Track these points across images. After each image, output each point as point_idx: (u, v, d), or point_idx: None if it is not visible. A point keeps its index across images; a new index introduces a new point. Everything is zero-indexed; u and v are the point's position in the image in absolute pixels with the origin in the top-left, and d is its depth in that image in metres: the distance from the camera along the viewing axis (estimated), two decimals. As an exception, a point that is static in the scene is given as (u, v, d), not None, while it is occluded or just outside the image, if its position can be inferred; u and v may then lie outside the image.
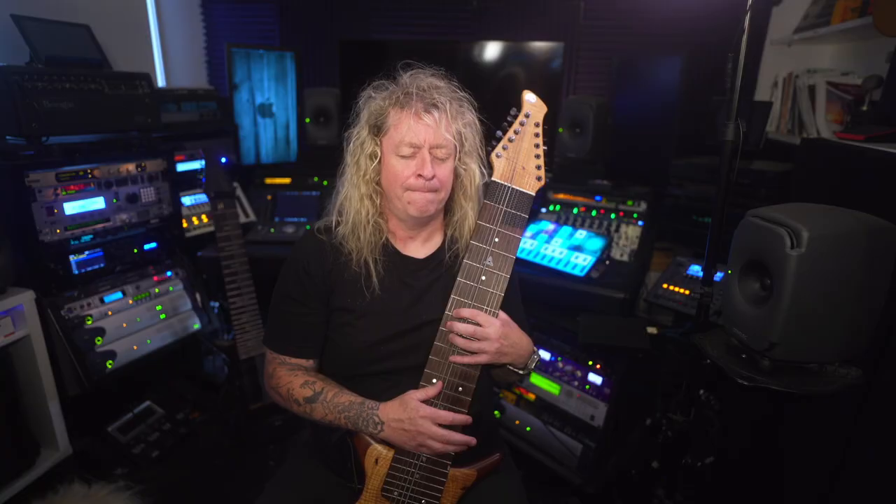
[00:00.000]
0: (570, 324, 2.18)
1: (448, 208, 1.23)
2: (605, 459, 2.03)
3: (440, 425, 1.08)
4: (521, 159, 1.10)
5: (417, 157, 1.11)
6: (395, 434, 1.09)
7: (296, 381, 1.18)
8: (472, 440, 1.11)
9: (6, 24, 1.94)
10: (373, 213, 1.17)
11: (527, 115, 1.09)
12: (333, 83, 3.07)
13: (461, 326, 1.08)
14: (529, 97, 1.10)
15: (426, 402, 1.09)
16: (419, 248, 1.23)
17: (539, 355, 1.22)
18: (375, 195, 1.18)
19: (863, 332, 1.05)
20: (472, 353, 1.09)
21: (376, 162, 1.15)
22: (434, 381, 1.10)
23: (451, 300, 1.10)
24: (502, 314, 1.12)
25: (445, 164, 1.13)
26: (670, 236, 2.36)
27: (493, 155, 1.10)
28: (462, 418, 1.10)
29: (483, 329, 1.08)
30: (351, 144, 1.18)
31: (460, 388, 1.11)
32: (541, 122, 1.10)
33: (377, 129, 1.14)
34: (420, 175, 1.10)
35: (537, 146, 1.10)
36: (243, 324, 2.14)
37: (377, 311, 1.17)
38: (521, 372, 1.20)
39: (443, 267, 1.21)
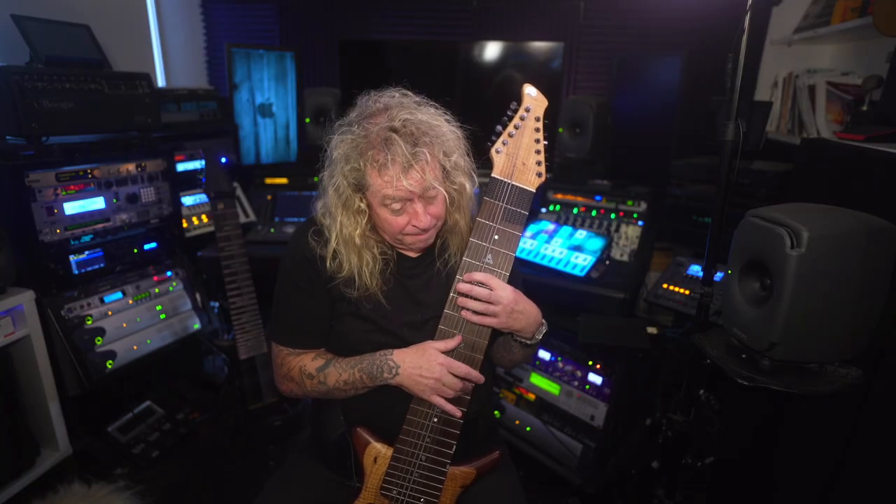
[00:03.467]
0: (570, 324, 2.18)
1: None
2: (605, 459, 2.03)
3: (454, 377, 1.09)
4: (522, 155, 1.08)
5: (409, 208, 1.08)
6: (411, 379, 1.10)
7: (306, 357, 1.20)
8: (481, 378, 1.12)
9: (6, 24, 1.94)
10: (373, 262, 1.14)
11: (527, 110, 1.07)
12: (333, 83, 3.07)
13: (477, 290, 1.07)
14: (530, 91, 1.07)
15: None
16: None
17: (546, 328, 1.20)
18: (372, 240, 1.15)
19: (863, 332, 1.05)
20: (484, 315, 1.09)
21: (366, 217, 1.13)
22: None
23: (450, 298, 1.10)
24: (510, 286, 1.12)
25: (437, 198, 1.10)
26: (670, 236, 2.36)
27: (492, 150, 1.08)
28: (476, 375, 1.11)
29: (496, 293, 1.07)
30: (331, 195, 1.12)
31: (470, 355, 1.11)
32: (541, 116, 1.08)
33: (358, 187, 1.10)
34: (415, 225, 1.09)
35: (538, 141, 1.08)
36: (243, 324, 2.14)
37: (376, 310, 1.17)
38: (528, 342, 1.18)
39: (435, 266, 1.21)
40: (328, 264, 1.15)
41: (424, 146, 1.04)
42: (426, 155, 1.04)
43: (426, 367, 1.09)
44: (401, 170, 1.03)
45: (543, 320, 1.19)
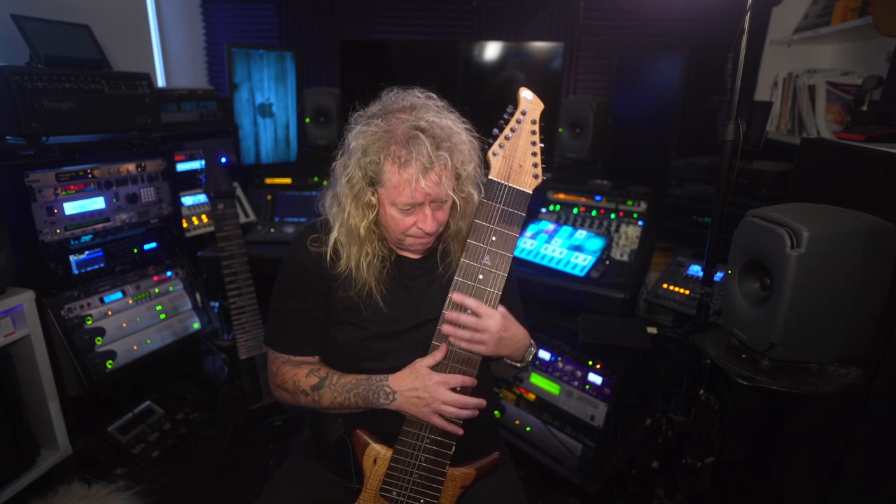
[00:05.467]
0: (570, 324, 2.18)
1: None
2: (605, 459, 2.03)
3: (452, 390, 1.09)
4: (518, 157, 1.09)
5: (418, 210, 1.09)
6: (409, 402, 1.10)
7: (300, 372, 1.19)
8: (483, 402, 1.12)
9: (6, 24, 1.94)
10: (374, 255, 1.14)
11: (523, 113, 1.08)
12: (333, 83, 3.08)
13: (465, 318, 1.08)
14: (526, 94, 1.08)
15: (434, 367, 1.10)
16: None
17: (536, 348, 1.22)
18: (374, 235, 1.15)
19: (863, 332, 1.05)
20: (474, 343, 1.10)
21: (374, 212, 1.12)
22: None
23: (448, 299, 1.10)
24: (501, 307, 1.12)
25: (445, 205, 1.12)
26: (670, 236, 2.36)
27: (489, 153, 1.09)
28: (472, 381, 1.11)
29: (484, 321, 1.08)
30: (342, 183, 1.12)
31: (468, 356, 1.12)
32: (538, 119, 1.09)
33: (372, 180, 1.09)
34: (422, 229, 1.09)
35: (534, 144, 1.09)
36: (243, 324, 2.14)
37: (376, 311, 1.17)
38: (518, 365, 1.19)
39: (437, 268, 1.21)
40: (328, 257, 1.15)
41: (446, 151, 1.05)
42: (446, 159, 1.05)
43: (422, 387, 1.09)
44: (421, 170, 1.03)
45: (532, 341, 1.20)
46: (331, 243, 1.15)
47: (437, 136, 1.04)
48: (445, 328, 1.09)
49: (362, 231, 1.12)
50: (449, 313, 1.09)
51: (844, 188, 1.36)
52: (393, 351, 1.17)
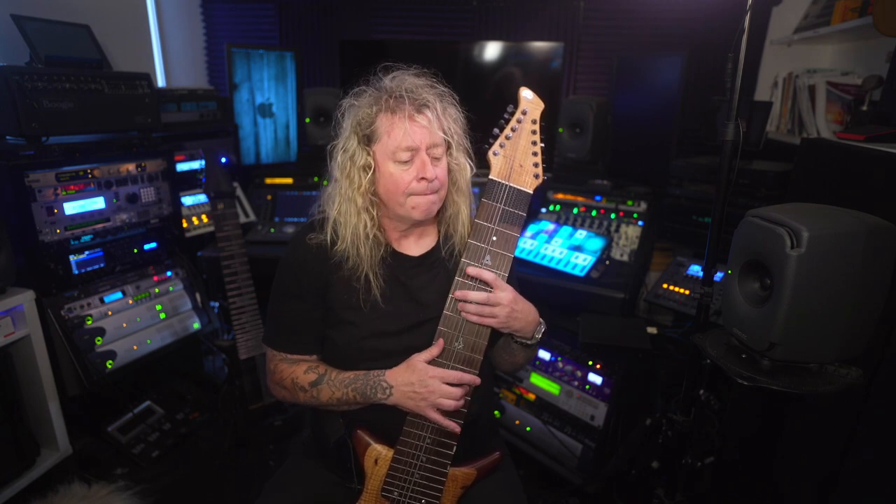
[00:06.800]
0: (570, 324, 2.18)
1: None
2: (605, 459, 2.03)
3: (449, 386, 1.09)
4: (519, 157, 1.09)
5: (416, 160, 1.10)
6: (405, 397, 1.10)
7: (298, 369, 1.19)
8: (476, 380, 1.13)
9: (6, 24, 1.94)
10: (371, 226, 1.15)
11: (524, 112, 1.08)
12: (333, 83, 3.08)
13: (474, 295, 1.08)
14: (526, 94, 1.09)
15: (431, 361, 1.11)
16: (413, 245, 1.23)
17: (544, 326, 1.21)
18: (372, 206, 1.16)
19: (863, 332, 1.05)
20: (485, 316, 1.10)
21: (370, 173, 1.13)
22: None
23: (449, 300, 1.10)
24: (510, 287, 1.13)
25: (441, 162, 1.13)
26: (670, 236, 2.36)
27: (490, 153, 1.09)
28: (470, 377, 1.11)
29: (495, 294, 1.09)
30: (338, 158, 1.15)
31: (469, 356, 1.11)
32: (538, 118, 1.09)
33: (367, 139, 1.12)
34: (423, 178, 1.09)
35: (535, 143, 1.09)
36: (243, 324, 2.14)
37: (374, 310, 1.17)
38: (529, 343, 1.19)
39: (438, 265, 1.21)
40: (328, 239, 1.15)
41: (434, 95, 1.11)
42: (435, 102, 1.10)
43: (419, 382, 1.09)
44: (413, 109, 1.08)
45: (541, 319, 1.20)
46: (330, 225, 1.16)
47: (422, 85, 1.12)
48: (458, 293, 1.09)
49: (359, 199, 1.13)
50: (458, 292, 1.09)
51: (844, 188, 1.36)
52: (393, 351, 1.16)
